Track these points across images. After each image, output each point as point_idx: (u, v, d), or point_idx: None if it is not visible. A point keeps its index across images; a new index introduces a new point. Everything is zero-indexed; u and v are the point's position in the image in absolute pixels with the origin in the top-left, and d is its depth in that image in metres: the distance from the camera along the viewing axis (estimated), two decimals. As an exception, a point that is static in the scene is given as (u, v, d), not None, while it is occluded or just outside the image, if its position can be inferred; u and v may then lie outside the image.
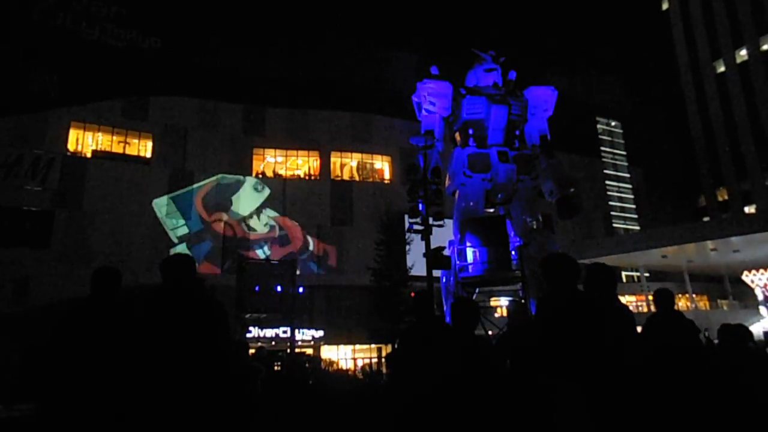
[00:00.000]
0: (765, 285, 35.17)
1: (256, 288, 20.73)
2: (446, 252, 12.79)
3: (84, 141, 36.33)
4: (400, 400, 4.24)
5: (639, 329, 4.27)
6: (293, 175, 41.35)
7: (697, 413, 3.82)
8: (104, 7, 38.29)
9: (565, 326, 3.21)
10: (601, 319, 3.30)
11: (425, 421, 3.93)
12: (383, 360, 26.17)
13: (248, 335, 24.76)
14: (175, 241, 36.01)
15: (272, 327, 26.49)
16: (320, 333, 33.22)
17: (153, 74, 37.40)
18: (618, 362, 3.16)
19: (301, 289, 22.12)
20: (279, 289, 21.30)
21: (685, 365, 4.13)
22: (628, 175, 55.00)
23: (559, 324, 3.24)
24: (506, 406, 3.33)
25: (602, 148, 54.73)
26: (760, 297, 35.95)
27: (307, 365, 21.23)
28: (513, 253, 12.16)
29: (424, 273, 14.54)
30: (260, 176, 40.00)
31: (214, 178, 38.34)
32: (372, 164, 42.86)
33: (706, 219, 47.65)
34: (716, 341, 4.85)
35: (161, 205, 36.40)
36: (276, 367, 13.64)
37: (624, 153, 56.10)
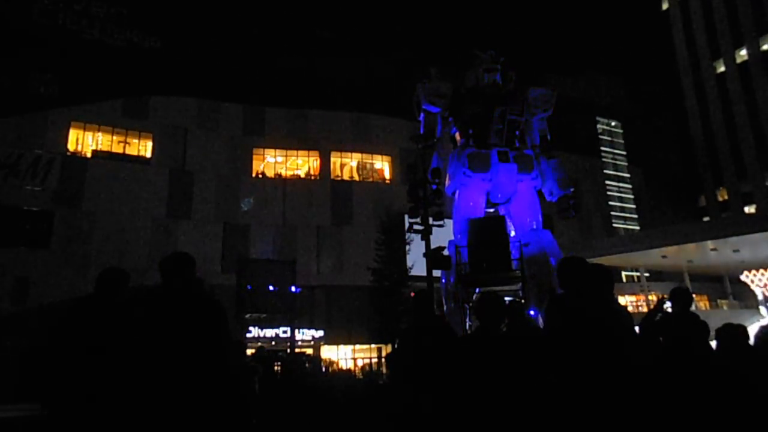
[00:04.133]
0: (765, 285, 35.15)
1: (256, 288, 20.73)
2: (446, 252, 12.79)
3: (84, 141, 36.32)
4: (399, 400, 4.24)
5: (637, 329, 4.25)
6: (293, 175, 41.34)
7: (701, 414, 3.82)
8: (104, 7, 38.28)
9: (580, 329, 3.22)
10: (618, 322, 3.32)
11: (424, 420, 3.93)
12: (383, 360, 26.20)
13: (248, 335, 24.78)
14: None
15: (272, 327, 26.53)
16: (320, 333, 33.24)
17: (153, 74, 37.39)
18: (626, 363, 3.17)
19: (293, 288, 22.04)
20: (278, 288, 21.30)
21: (693, 367, 4.13)
22: (628, 175, 54.97)
23: (575, 326, 3.25)
24: (513, 405, 3.33)
25: (602, 148, 54.71)
26: (760, 297, 35.94)
27: (307, 365, 21.24)
28: (513, 253, 12.14)
29: (424, 273, 14.57)
30: (260, 176, 40.02)
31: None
32: (372, 164, 42.85)
33: (706, 219, 47.65)
34: (715, 342, 4.83)
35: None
36: (276, 367, 13.63)
37: (624, 153, 56.07)
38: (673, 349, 4.33)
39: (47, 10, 36.12)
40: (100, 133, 36.81)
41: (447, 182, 13.90)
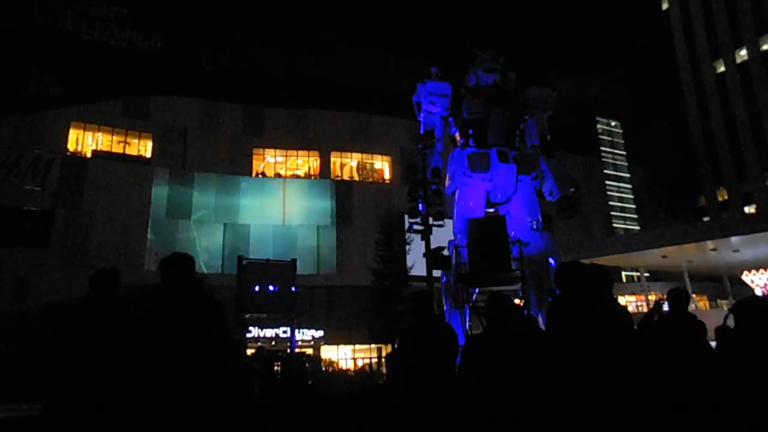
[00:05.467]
0: (765, 285, 35.13)
1: (256, 288, 20.65)
2: (446, 252, 12.79)
3: (84, 141, 36.32)
4: (398, 399, 4.24)
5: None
6: (293, 175, 41.33)
7: (701, 413, 3.82)
8: (104, 7, 38.29)
9: (582, 329, 3.22)
10: (618, 323, 3.32)
11: (423, 420, 3.93)
12: (383, 360, 26.21)
13: (248, 335, 24.78)
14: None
15: (272, 327, 26.53)
16: (320, 333, 33.26)
17: (153, 74, 37.39)
18: (627, 363, 3.18)
19: (293, 288, 22.01)
20: (278, 289, 21.23)
21: (692, 367, 4.13)
22: (628, 175, 54.96)
23: (577, 327, 3.25)
24: (520, 404, 3.33)
25: (602, 148, 54.69)
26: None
27: (307, 365, 21.23)
28: (513, 252, 12.13)
29: (424, 273, 14.55)
30: (260, 176, 40.01)
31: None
32: (372, 164, 42.85)
33: (706, 219, 47.64)
34: (714, 342, 4.83)
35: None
36: (276, 367, 13.63)
37: (624, 153, 56.06)
38: (672, 350, 4.34)
39: (47, 10, 36.12)
40: (100, 133, 36.81)
41: (447, 182, 13.91)
